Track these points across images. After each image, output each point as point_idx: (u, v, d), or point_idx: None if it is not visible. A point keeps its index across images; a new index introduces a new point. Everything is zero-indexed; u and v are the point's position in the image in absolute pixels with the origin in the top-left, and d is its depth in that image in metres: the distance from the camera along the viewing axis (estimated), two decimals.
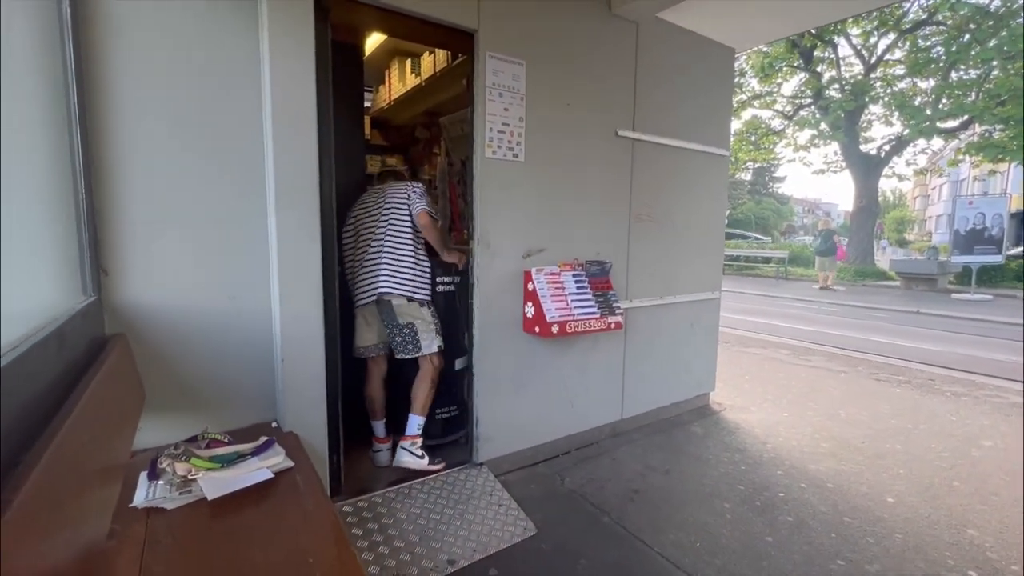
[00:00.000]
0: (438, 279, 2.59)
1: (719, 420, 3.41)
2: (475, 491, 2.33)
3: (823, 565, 1.93)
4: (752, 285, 13.16)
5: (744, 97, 15.89)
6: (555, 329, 2.40)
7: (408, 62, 3.71)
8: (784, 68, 14.97)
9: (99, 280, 1.55)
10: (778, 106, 16.57)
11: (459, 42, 2.36)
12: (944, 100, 12.98)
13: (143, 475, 1.42)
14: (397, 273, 2.38)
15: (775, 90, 16.08)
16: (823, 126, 15.04)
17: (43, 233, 1.24)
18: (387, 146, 4.37)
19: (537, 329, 2.45)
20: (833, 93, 14.50)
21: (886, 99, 14.16)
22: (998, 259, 10.85)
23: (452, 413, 2.80)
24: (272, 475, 1.45)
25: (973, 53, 11.49)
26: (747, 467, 2.72)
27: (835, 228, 14.98)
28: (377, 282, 2.38)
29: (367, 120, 3.98)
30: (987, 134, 13.17)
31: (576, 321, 2.47)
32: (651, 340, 3.18)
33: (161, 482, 1.38)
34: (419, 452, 2.46)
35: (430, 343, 2.45)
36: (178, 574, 1.07)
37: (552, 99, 2.55)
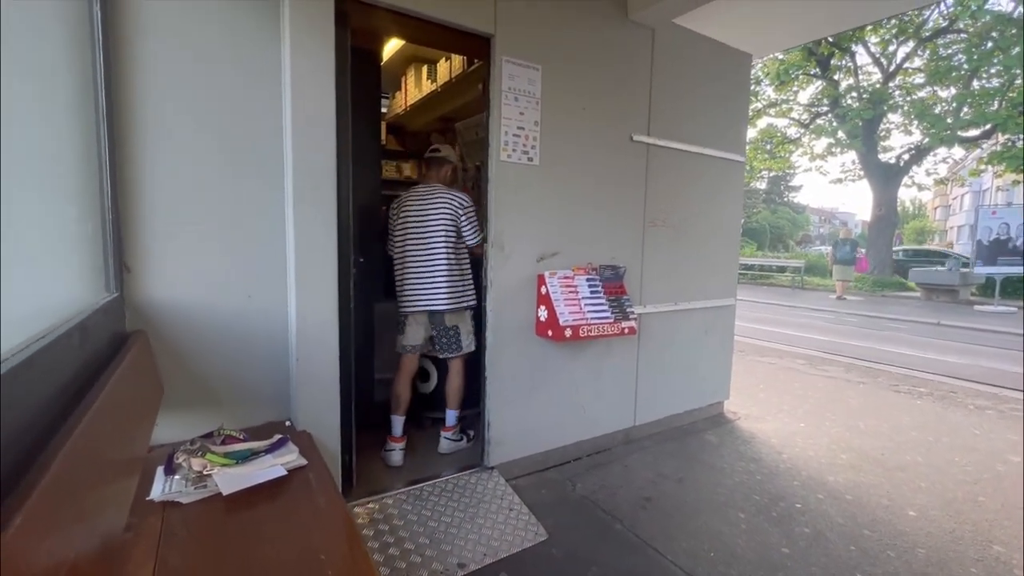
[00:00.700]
0: None
1: (734, 429, 3.36)
2: (486, 495, 2.32)
3: None
4: (767, 294, 12.99)
5: (759, 105, 15.77)
6: (568, 333, 2.39)
7: (424, 68, 3.76)
8: (800, 76, 14.84)
9: (122, 277, 1.58)
10: (794, 114, 16.42)
11: (475, 47, 2.39)
12: (966, 108, 12.75)
13: (160, 469, 1.43)
14: (448, 288, 2.56)
15: (791, 98, 15.95)
16: (840, 135, 14.86)
17: (72, 231, 1.27)
18: (402, 151, 4.41)
19: (550, 333, 2.44)
20: (851, 101, 14.33)
21: (905, 108, 13.95)
22: (1022, 270, 10.57)
23: None
24: (285, 472, 1.46)
25: (996, 61, 11.28)
26: (763, 477, 2.67)
27: (856, 239, 14.77)
28: (433, 296, 2.56)
29: (383, 125, 4.03)
30: (1011, 143, 12.89)
31: (589, 325, 2.45)
32: (665, 346, 3.14)
33: (177, 476, 1.40)
34: (458, 436, 2.77)
35: (469, 343, 2.68)
36: (192, 567, 1.07)
37: (567, 103, 2.55)
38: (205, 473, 1.40)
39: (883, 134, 15.10)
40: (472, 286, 2.66)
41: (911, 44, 13.57)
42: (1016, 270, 10.53)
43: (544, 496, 2.40)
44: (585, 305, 2.51)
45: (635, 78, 2.82)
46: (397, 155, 4.34)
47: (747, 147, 3.81)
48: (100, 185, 1.46)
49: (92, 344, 1.19)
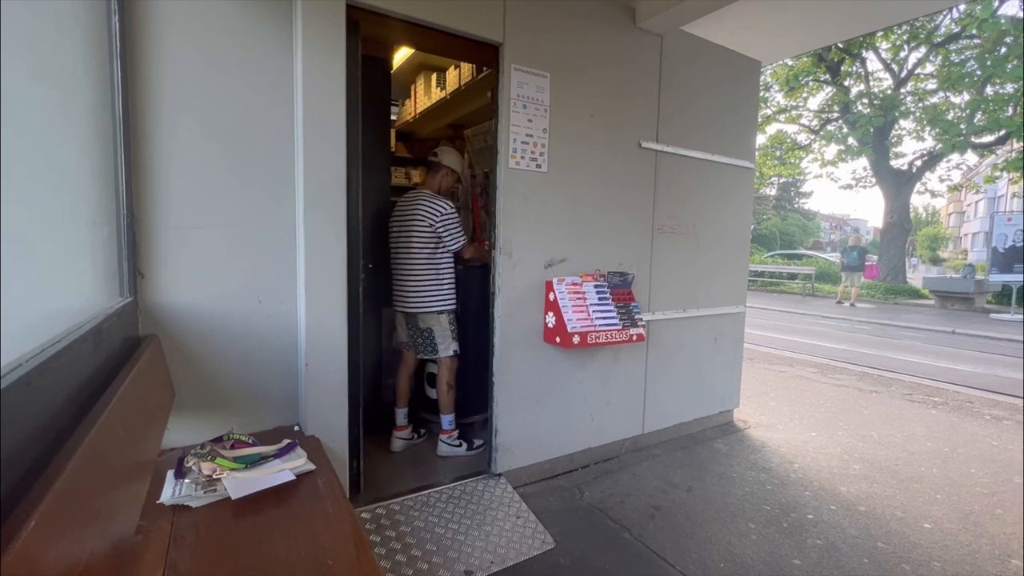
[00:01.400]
0: None
1: (743, 438, 3.32)
2: (493, 502, 2.31)
3: None
4: (778, 302, 12.87)
5: (769, 111, 15.71)
6: (576, 340, 2.38)
7: (434, 76, 3.79)
8: (810, 82, 14.76)
9: (135, 282, 1.60)
10: (804, 120, 16.32)
11: (485, 55, 2.41)
12: (979, 114, 12.60)
13: (170, 473, 1.45)
14: (419, 291, 2.66)
15: (801, 104, 15.86)
16: (851, 141, 14.74)
17: (90, 236, 1.29)
18: (411, 158, 4.45)
19: (558, 339, 2.44)
20: (861, 108, 14.23)
21: (917, 113, 13.82)
22: None
23: None
24: (294, 477, 1.46)
25: (1010, 67, 11.15)
26: (773, 487, 2.64)
27: (866, 245, 14.64)
28: (404, 299, 2.71)
29: (392, 132, 4.07)
30: None
31: (597, 332, 2.45)
32: (673, 354, 3.12)
33: (187, 480, 1.41)
34: (456, 442, 2.77)
35: (446, 347, 2.69)
36: (201, 570, 1.08)
37: (576, 110, 2.56)
38: (215, 477, 1.41)
39: (895, 140, 14.97)
40: (449, 291, 2.70)
41: (923, 49, 13.46)
42: None
43: (552, 504, 2.39)
44: (593, 312, 2.50)
45: (643, 85, 2.83)
46: (406, 162, 4.38)
47: (756, 153, 3.80)
48: (116, 191, 1.48)
49: (106, 348, 1.21)
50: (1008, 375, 5.30)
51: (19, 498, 0.64)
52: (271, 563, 1.10)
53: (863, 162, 15.44)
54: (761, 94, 14.07)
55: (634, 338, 2.57)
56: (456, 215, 2.66)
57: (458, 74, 3.45)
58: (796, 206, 40.18)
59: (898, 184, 14.63)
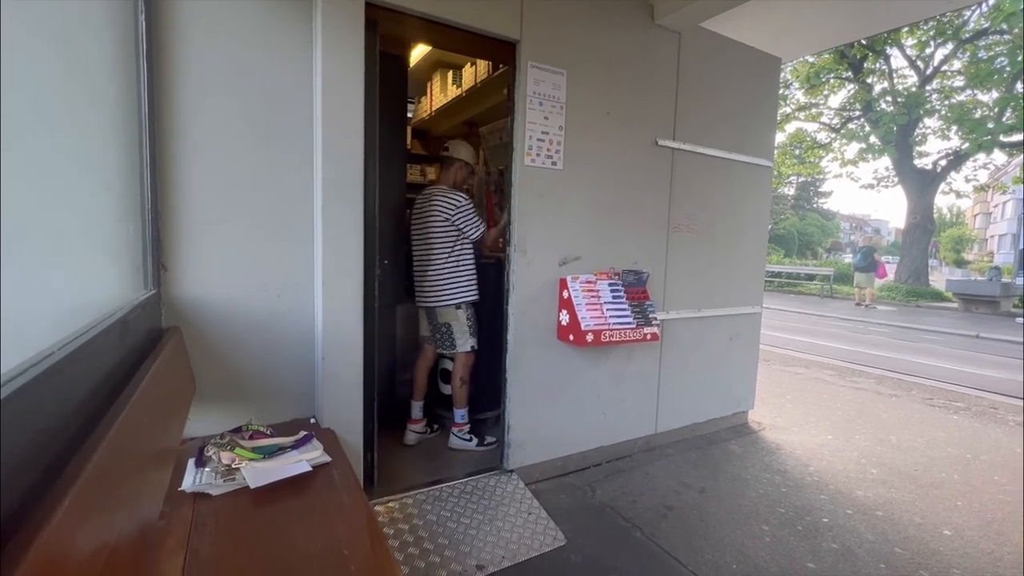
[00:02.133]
0: None
1: (758, 439, 3.29)
2: (505, 498, 2.32)
3: None
4: (795, 303, 12.68)
5: (788, 109, 15.45)
6: (589, 338, 2.38)
7: (450, 73, 3.81)
8: (831, 79, 14.48)
9: (159, 275, 1.64)
10: (824, 118, 16.02)
11: (501, 52, 2.41)
12: (1008, 112, 12.24)
13: (191, 462, 1.48)
14: (437, 286, 2.70)
15: (821, 102, 15.57)
16: (873, 139, 14.43)
17: (117, 230, 1.33)
18: (426, 155, 4.46)
19: (571, 337, 2.44)
20: (884, 106, 13.91)
21: (943, 112, 13.47)
22: None
23: None
24: (310, 468, 1.49)
25: None
26: (788, 489, 2.61)
27: (875, 245, 14.35)
28: (424, 294, 2.75)
29: (408, 130, 4.09)
30: None
31: (611, 331, 2.44)
32: (688, 353, 3.10)
33: (207, 469, 1.44)
34: (467, 436, 2.80)
35: (464, 342, 2.73)
36: (221, 556, 1.11)
37: (592, 108, 2.55)
38: (234, 467, 1.45)
39: (919, 139, 14.61)
40: (467, 283, 2.73)
41: (950, 46, 13.10)
42: None
43: (563, 501, 2.39)
44: (607, 310, 2.50)
45: (660, 82, 2.80)
46: (421, 159, 4.40)
47: (775, 152, 3.74)
48: (141, 186, 1.52)
49: (131, 338, 1.25)
50: None
51: (53, 479, 0.67)
52: (288, 551, 1.13)
53: (885, 161, 15.14)
54: (780, 91, 13.82)
55: (648, 337, 2.55)
56: (471, 205, 2.68)
57: (474, 71, 3.46)
58: (815, 206, 39.45)
59: (922, 184, 14.30)
